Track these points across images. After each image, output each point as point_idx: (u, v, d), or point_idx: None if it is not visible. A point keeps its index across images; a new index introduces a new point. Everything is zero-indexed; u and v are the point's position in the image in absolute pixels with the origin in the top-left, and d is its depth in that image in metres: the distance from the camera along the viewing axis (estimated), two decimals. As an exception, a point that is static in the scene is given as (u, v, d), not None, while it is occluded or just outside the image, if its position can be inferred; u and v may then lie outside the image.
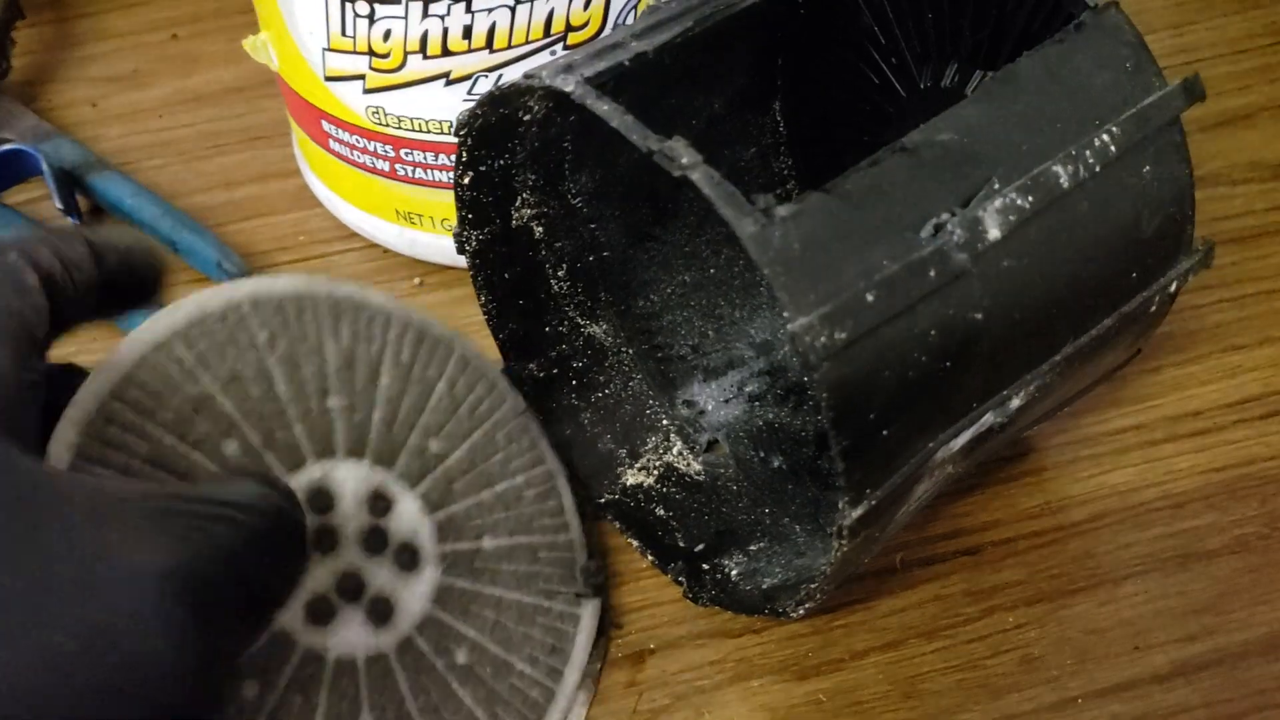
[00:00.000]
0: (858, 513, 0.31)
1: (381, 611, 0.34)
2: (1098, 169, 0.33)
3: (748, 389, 0.45)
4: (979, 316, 0.31)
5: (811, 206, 0.30)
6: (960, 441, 0.33)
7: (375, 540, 0.35)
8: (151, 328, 0.33)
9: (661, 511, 0.42)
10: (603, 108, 0.32)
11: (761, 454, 0.44)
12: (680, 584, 0.40)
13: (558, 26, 0.43)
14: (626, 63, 0.34)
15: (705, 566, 0.40)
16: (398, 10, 0.42)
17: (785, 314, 0.29)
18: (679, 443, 0.44)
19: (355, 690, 0.33)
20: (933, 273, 0.30)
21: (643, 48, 0.34)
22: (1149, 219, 0.35)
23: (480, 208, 0.40)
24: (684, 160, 0.30)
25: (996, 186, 0.32)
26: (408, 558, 0.35)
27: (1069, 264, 0.34)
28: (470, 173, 0.38)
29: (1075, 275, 0.34)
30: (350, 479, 0.35)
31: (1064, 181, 0.33)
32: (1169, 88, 0.35)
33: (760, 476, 0.43)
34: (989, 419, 0.33)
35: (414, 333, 0.37)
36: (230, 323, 0.34)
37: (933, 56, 0.41)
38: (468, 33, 0.43)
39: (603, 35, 0.42)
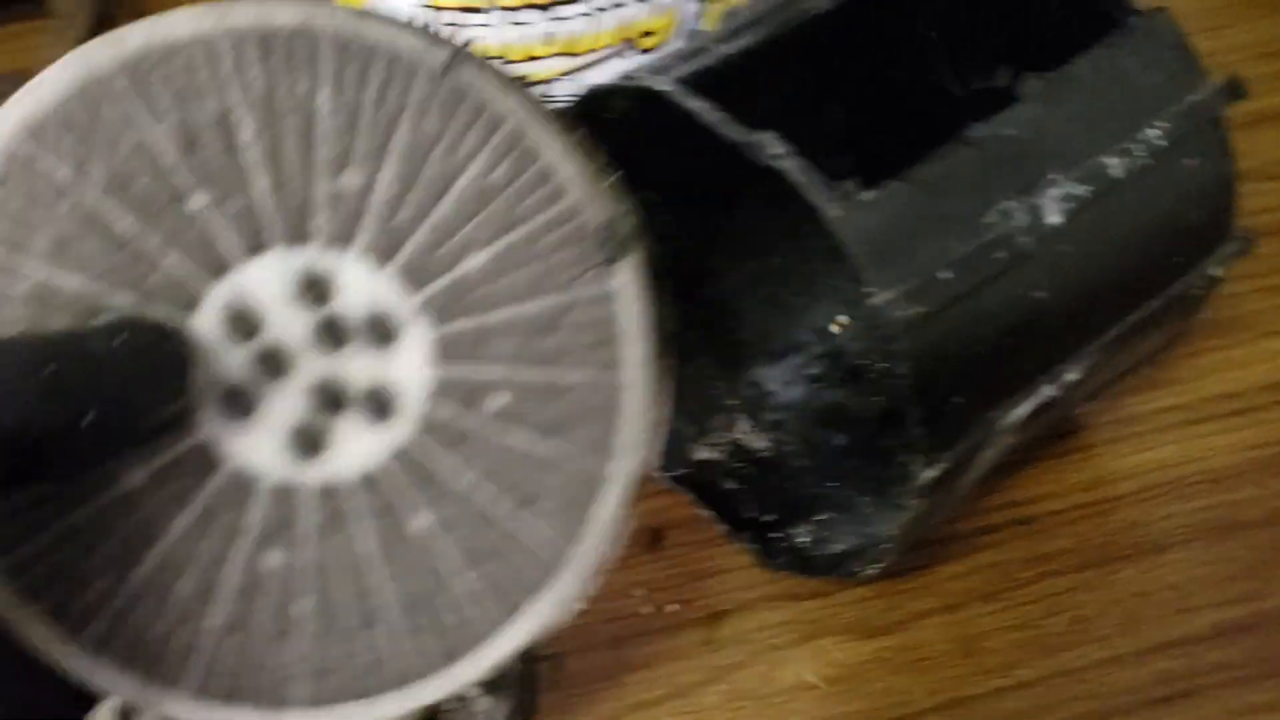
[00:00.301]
0: (931, 474, 0.33)
1: (380, 403, 0.29)
2: (1148, 162, 0.36)
3: (809, 371, 0.48)
4: (1041, 295, 0.34)
5: (890, 193, 0.33)
6: (1021, 412, 0.36)
7: (331, 332, 0.29)
8: None
9: (731, 484, 0.45)
10: (694, 105, 0.35)
11: (825, 432, 0.47)
12: (753, 550, 0.42)
13: (632, 33, 0.46)
14: (713, 65, 0.37)
15: (775, 535, 0.43)
16: (485, 19, 0.45)
17: (868, 289, 0.31)
18: (746, 422, 0.47)
19: (394, 494, 0.29)
20: (1000, 255, 0.33)
21: (728, 51, 0.37)
22: (1194, 208, 0.38)
23: (566, 200, 0.43)
24: (774, 151, 0.32)
25: (1055, 177, 0.35)
26: (381, 330, 0.29)
27: (1121, 249, 0.36)
28: (559, 167, 0.41)
29: (1126, 260, 0.37)
30: (265, 281, 0.28)
31: (1117, 173, 0.36)
32: (1212, 87, 0.38)
33: (824, 453, 0.46)
34: (1047, 391, 0.36)
35: (257, 45, 0.28)
36: (17, 178, 0.27)
37: (986, 58, 0.44)
38: (549, 39, 0.46)
39: (686, 42, 0.45)
